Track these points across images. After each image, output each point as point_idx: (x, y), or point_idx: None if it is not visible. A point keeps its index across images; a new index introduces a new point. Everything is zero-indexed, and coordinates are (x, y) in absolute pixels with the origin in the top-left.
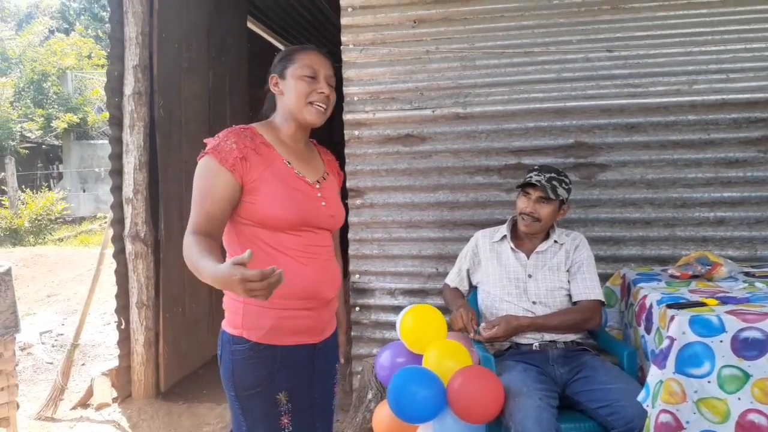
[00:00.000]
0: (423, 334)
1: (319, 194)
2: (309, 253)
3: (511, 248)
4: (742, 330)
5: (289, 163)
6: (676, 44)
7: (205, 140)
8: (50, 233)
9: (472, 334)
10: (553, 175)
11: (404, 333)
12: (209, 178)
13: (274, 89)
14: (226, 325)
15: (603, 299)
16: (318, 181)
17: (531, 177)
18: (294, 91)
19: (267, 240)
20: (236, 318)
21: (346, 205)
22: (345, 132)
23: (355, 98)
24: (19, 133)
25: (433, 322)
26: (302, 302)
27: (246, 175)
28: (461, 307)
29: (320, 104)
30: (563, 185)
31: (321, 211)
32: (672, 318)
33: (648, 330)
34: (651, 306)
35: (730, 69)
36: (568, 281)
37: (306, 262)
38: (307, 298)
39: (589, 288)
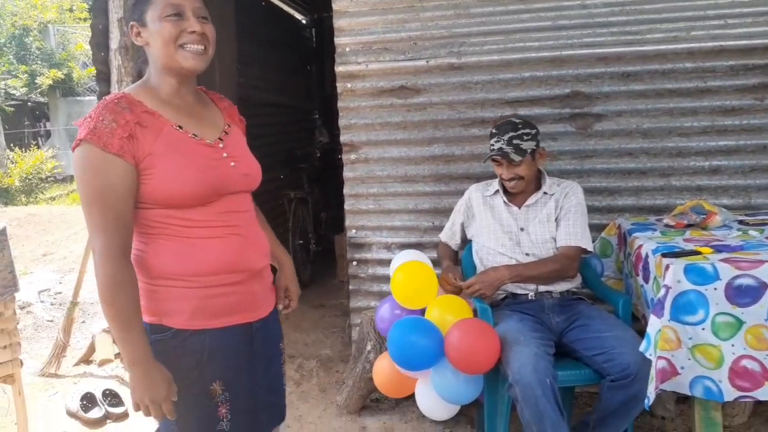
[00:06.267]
0: (413, 293)
1: (225, 154)
2: (226, 222)
3: (504, 202)
4: (736, 278)
5: (180, 128)
6: None
7: (74, 123)
8: (42, 192)
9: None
10: (511, 134)
11: (396, 293)
12: (99, 172)
13: (137, 40)
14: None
15: (585, 246)
16: (220, 138)
17: (492, 147)
18: (159, 38)
19: (179, 220)
20: (152, 303)
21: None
22: (337, 85)
23: (347, 49)
24: (3, 90)
25: (422, 279)
26: (226, 277)
27: (137, 153)
28: (445, 270)
29: (194, 45)
30: (525, 138)
31: (232, 173)
32: (667, 267)
33: (646, 279)
34: (647, 255)
35: (729, 14)
36: None
37: (223, 233)
38: (231, 271)
39: (570, 234)
